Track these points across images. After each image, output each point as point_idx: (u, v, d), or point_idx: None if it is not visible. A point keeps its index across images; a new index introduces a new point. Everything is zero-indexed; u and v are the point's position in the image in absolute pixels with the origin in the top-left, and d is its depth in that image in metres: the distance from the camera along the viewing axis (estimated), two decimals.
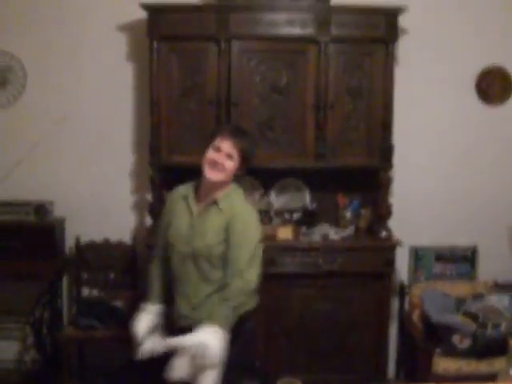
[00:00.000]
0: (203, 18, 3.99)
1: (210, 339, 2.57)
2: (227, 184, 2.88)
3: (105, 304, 4.18)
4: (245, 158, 2.86)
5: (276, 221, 4.33)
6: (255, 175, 4.32)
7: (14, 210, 4.27)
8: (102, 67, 4.44)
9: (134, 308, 2.96)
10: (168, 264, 2.95)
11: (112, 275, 4.38)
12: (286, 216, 4.37)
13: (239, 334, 2.77)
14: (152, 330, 2.87)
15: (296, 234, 4.19)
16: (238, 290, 2.74)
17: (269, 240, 4.04)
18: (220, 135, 2.85)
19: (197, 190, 2.92)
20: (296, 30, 4.02)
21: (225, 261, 2.81)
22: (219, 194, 2.85)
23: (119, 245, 4.34)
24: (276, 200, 4.44)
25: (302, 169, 4.29)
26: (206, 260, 2.81)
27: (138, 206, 4.51)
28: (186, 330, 2.69)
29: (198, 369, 2.60)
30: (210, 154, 2.82)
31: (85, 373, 4.31)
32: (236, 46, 4.00)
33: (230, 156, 2.81)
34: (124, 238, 4.37)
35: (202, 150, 2.87)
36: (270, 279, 3.94)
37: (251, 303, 2.88)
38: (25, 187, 4.41)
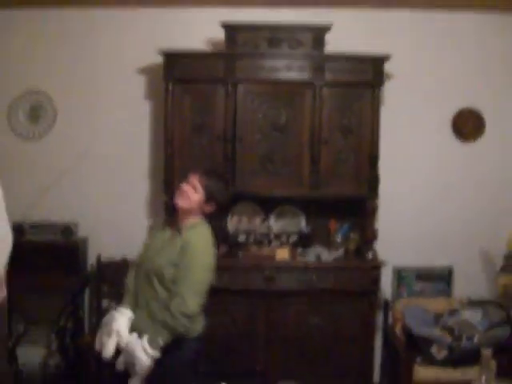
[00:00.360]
0: (213, 64, 4.25)
1: (140, 353, 2.79)
2: (195, 216, 3.05)
3: None
4: (209, 194, 3.04)
5: (275, 243, 4.46)
6: (257, 202, 4.55)
7: (43, 231, 4.49)
8: (123, 105, 4.69)
9: None
10: None
11: None
12: (284, 239, 4.51)
13: (177, 357, 2.91)
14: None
15: (293, 254, 4.35)
16: (177, 309, 2.81)
17: (268, 260, 4.28)
18: (194, 172, 3.11)
19: (175, 220, 3.11)
20: (294, 75, 4.26)
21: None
22: (186, 224, 3.03)
23: None
24: (275, 224, 4.62)
25: (299, 197, 4.47)
26: (158, 280, 2.92)
27: None
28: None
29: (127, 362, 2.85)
30: (182, 184, 3.08)
31: (102, 376, 4.27)
32: (241, 88, 4.25)
33: (194, 188, 3.02)
34: None
35: None
36: (269, 295, 4.22)
37: (193, 329, 2.94)
38: (53, 211, 4.61)
